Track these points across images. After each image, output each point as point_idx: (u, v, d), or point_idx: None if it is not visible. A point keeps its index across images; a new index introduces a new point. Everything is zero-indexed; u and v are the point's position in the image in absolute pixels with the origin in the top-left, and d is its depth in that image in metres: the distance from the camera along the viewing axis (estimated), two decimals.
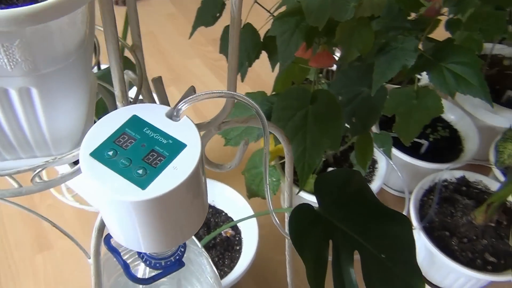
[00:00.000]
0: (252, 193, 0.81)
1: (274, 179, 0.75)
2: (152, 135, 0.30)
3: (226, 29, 0.62)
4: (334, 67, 0.88)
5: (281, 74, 0.74)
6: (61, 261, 0.86)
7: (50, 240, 0.89)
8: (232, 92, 0.33)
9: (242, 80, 0.69)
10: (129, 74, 0.45)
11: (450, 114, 1.03)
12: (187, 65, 1.35)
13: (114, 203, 0.28)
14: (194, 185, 0.30)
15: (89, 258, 0.41)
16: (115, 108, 0.49)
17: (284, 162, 0.93)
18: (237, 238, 0.76)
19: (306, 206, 0.51)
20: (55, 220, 0.47)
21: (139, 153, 0.29)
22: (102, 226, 0.39)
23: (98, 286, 0.43)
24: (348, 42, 0.47)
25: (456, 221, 0.81)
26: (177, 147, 0.30)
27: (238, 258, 0.73)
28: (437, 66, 0.53)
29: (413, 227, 0.65)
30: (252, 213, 0.76)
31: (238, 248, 0.75)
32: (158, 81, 0.42)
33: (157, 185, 0.28)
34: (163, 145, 0.30)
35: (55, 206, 0.95)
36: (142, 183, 0.28)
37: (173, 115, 0.32)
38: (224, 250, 0.74)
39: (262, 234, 0.75)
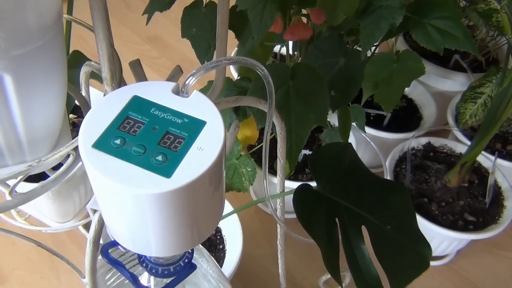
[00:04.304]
0: (226, 187, 0.76)
1: (249, 169, 0.71)
2: (162, 115, 0.26)
3: (186, 10, 0.57)
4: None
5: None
6: None
7: (4, 272, 0.79)
8: (242, 57, 0.28)
9: None
10: (92, 65, 0.39)
11: None
12: (126, 66, 1.27)
13: (133, 199, 0.23)
14: (221, 167, 0.26)
15: (83, 278, 0.35)
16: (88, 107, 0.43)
17: (253, 152, 0.89)
18: (218, 237, 0.71)
19: (305, 187, 0.47)
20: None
21: (152, 138, 0.24)
22: (97, 237, 0.33)
23: None
24: (333, 4, 0.44)
25: (431, 186, 0.81)
26: (195, 125, 0.25)
27: (223, 257, 0.68)
28: (421, 23, 0.51)
29: None
30: (231, 208, 0.72)
31: (221, 247, 0.70)
32: (137, 63, 0.37)
33: (184, 170, 0.23)
34: (178, 125, 0.25)
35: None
36: (166, 171, 0.23)
37: (180, 92, 0.27)
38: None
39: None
